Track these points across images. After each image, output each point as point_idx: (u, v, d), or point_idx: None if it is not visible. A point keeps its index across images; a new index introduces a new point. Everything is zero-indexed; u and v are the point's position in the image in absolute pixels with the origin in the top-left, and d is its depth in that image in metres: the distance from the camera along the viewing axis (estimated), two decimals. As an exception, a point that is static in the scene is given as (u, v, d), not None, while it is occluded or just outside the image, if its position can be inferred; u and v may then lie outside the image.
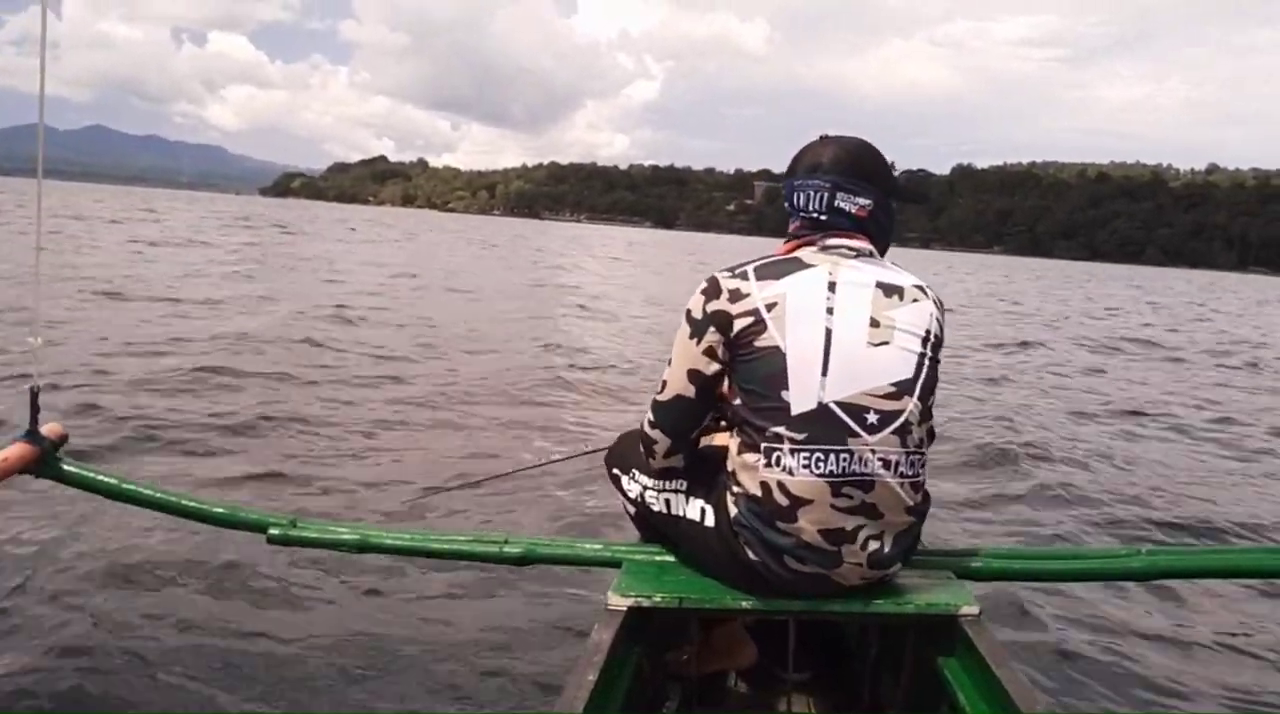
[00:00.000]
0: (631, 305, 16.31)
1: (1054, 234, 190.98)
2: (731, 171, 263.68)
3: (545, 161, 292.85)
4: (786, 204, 1.92)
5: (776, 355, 1.71)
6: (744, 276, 1.78)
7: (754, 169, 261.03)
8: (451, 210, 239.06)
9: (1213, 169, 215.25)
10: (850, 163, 1.88)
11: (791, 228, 1.91)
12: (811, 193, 1.87)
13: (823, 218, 1.86)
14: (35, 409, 2.00)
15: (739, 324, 1.74)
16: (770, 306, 1.73)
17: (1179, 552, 2.22)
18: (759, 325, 1.72)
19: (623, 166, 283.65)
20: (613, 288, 20.29)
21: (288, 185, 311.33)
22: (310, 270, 18.01)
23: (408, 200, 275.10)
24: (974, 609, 1.77)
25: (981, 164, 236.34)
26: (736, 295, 1.76)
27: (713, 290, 1.79)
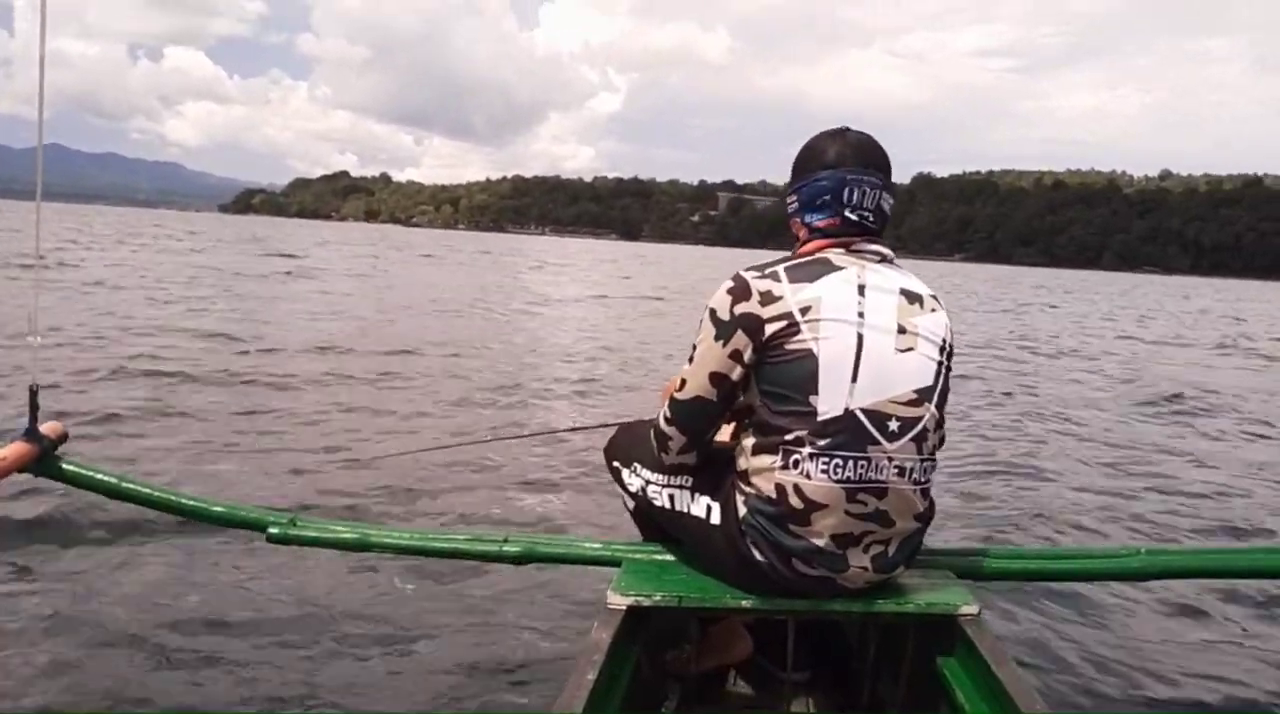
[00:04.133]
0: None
1: (1013, 241, 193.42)
2: (695, 182, 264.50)
3: (509, 175, 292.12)
4: (809, 198, 1.80)
5: (809, 359, 1.67)
6: (775, 277, 1.72)
7: (717, 179, 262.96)
8: (415, 225, 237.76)
9: (1166, 175, 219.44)
10: (881, 157, 1.83)
11: (819, 224, 1.80)
12: (867, 189, 1.79)
13: (870, 219, 1.80)
14: (34, 407, 1.99)
15: (771, 328, 1.68)
16: (805, 310, 1.68)
17: (1178, 551, 2.23)
18: (792, 328, 1.67)
19: (587, 178, 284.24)
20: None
21: (248, 202, 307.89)
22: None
23: (371, 215, 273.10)
24: (974, 609, 1.77)
25: (941, 173, 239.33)
26: (768, 298, 1.70)
27: (741, 291, 1.72)
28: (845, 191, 1.78)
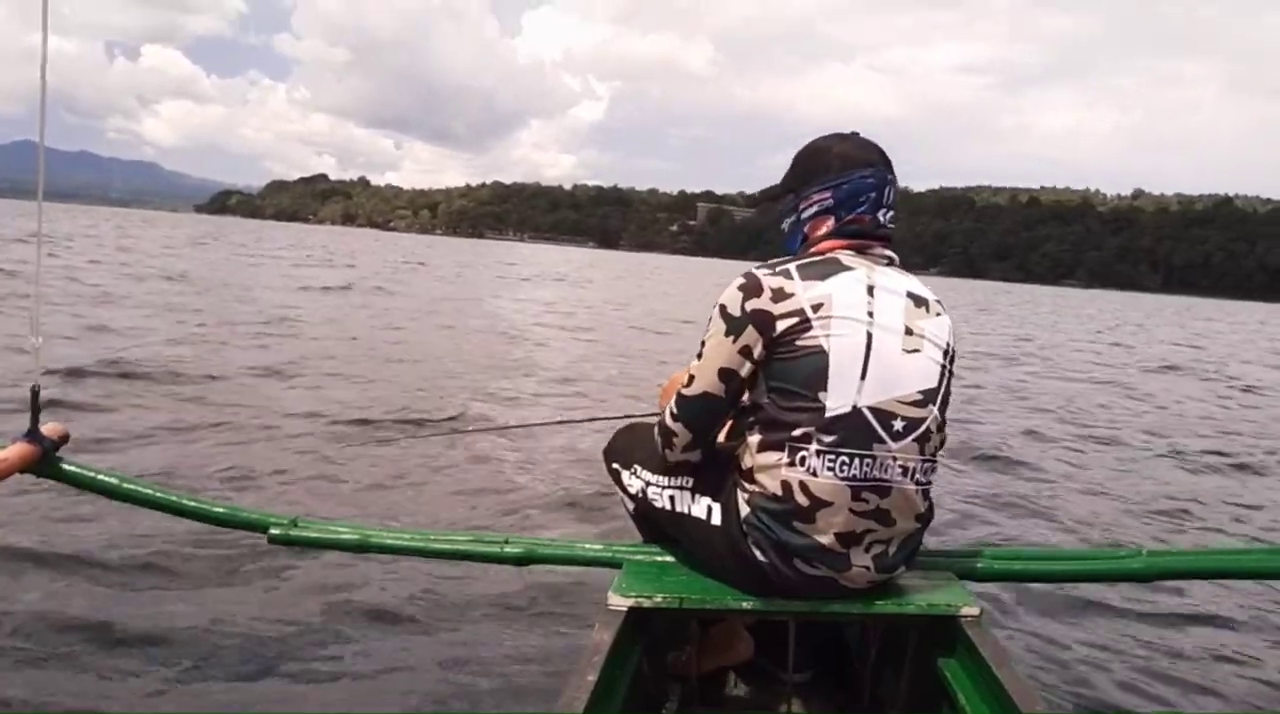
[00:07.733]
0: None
1: (988, 256, 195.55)
2: (675, 192, 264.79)
3: (489, 181, 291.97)
4: (850, 194, 1.81)
5: (819, 356, 1.67)
6: (787, 275, 1.73)
7: (697, 190, 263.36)
8: (393, 229, 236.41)
9: (1139, 194, 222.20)
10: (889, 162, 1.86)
11: (850, 218, 1.81)
12: (894, 189, 1.84)
13: (890, 221, 1.83)
14: (36, 408, 1.99)
15: (782, 324, 1.69)
16: (816, 307, 1.69)
17: (1180, 552, 2.24)
18: (804, 325, 1.68)
19: (567, 186, 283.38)
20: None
21: (225, 203, 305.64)
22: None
23: (348, 219, 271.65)
24: (975, 610, 1.78)
25: (919, 187, 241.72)
26: (780, 295, 1.70)
27: (753, 288, 1.72)
28: (887, 191, 1.82)
